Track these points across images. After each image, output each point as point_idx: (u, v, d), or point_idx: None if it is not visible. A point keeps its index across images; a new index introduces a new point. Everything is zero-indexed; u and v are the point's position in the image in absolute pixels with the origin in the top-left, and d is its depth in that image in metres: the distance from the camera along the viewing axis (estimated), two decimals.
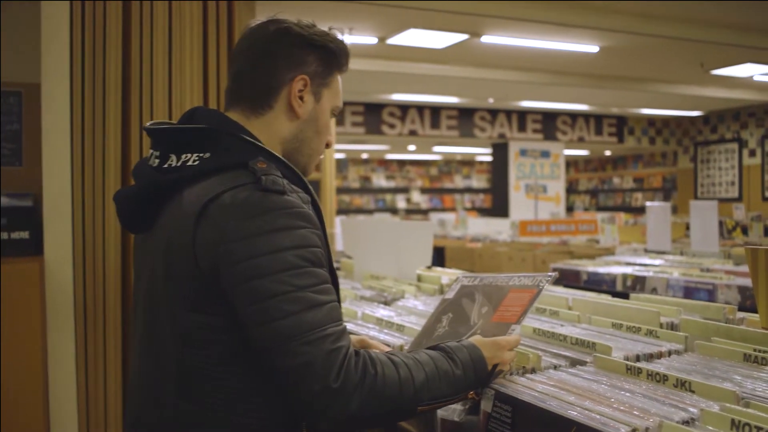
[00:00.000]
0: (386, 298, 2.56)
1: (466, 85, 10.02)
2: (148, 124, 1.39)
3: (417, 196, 18.59)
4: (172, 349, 1.28)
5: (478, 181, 19.25)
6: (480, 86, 10.08)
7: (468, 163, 19.33)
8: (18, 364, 3.68)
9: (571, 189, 18.74)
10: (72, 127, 4.07)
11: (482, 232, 9.61)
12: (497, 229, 10.08)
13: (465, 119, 12.64)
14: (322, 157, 1.54)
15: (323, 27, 1.46)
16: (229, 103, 1.44)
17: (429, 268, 3.07)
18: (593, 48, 7.49)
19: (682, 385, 1.27)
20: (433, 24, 6.34)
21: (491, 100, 11.73)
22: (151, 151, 1.39)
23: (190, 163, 1.31)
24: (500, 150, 13.38)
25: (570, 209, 16.49)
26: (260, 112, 1.40)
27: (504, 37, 6.89)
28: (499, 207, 13.48)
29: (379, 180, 18.63)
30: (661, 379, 1.31)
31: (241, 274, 1.20)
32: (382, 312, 2.27)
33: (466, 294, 1.71)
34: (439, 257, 8.50)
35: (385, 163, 18.78)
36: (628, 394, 1.25)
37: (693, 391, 1.25)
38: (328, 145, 1.50)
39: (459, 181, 19.25)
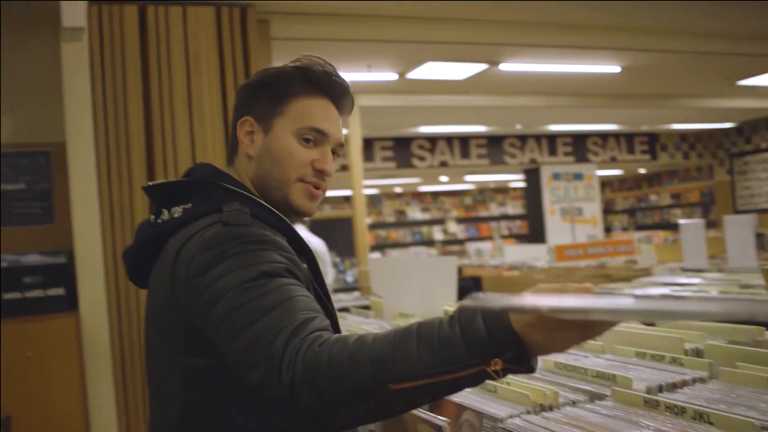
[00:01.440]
0: None
1: (491, 113, 10.01)
2: (149, 183, 1.46)
3: (453, 227, 18.51)
4: (174, 393, 1.30)
5: (514, 208, 19.12)
6: (506, 113, 10.06)
7: (502, 190, 19.24)
8: (60, 416, 3.72)
9: (608, 209, 18.51)
10: (99, 182, 4.15)
11: (520, 260, 9.51)
12: (535, 255, 9.96)
13: (494, 147, 12.60)
14: (318, 190, 1.47)
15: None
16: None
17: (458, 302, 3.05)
18: (615, 68, 7.44)
19: (700, 417, 1.22)
20: (449, 56, 6.36)
21: (519, 126, 11.69)
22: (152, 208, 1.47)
23: (176, 215, 1.38)
24: (532, 175, 13.29)
25: (608, 230, 16.28)
26: (233, 160, 1.52)
27: (522, 63, 6.88)
28: (535, 232, 13.36)
29: (414, 213, 18.60)
30: (679, 411, 1.26)
31: (206, 304, 1.21)
32: None
33: None
34: (477, 288, 8.42)
35: (419, 196, 18.77)
36: (643, 430, 1.21)
37: (711, 423, 1.20)
38: (321, 172, 1.46)
39: (494, 209, 19.13)
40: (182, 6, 4.44)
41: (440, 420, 1.35)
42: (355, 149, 7.34)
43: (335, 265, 8.80)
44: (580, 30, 6.01)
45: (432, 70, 6.68)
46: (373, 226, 17.91)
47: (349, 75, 6.67)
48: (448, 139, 12.28)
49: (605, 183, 18.63)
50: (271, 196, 1.45)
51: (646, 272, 5.77)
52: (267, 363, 1.07)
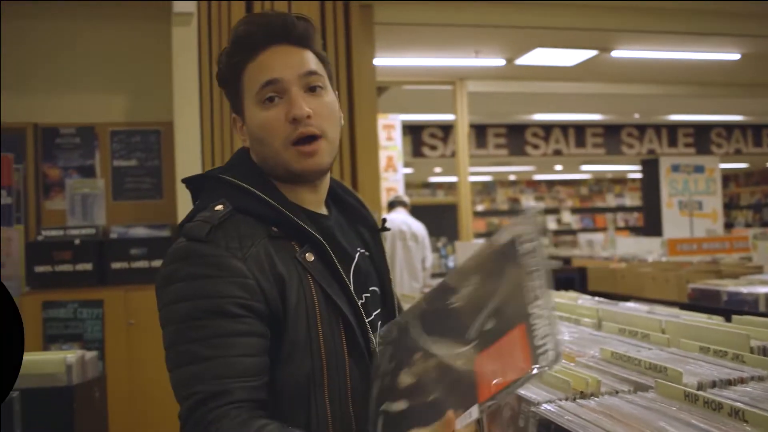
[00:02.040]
0: None
1: (607, 102, 9.76)
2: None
3: (567, 217, 18.18)
4: None
5: (632, 200, 18.57)
6: (622, 102, 9.79)
7: (620, 181, 18.74)
8: (155, 381, 3.90)
9: (731, 204, 17.71)
10: (203, 160, 4.32)
11: (631, 252, 9.26)
12: (647, 248, 9.68)
13: (611, 136, 12.28)
14: (310, 145, 1.34)
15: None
16: None
17: None
18: (734, 56, 7.09)
19: (735, 414, 1.18)
20: (559, 42, 6.24)
21: (637, 116, 11.34)
22: None
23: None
24: (650, 166, 12.86)
25: (730, 226, 15.58)
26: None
27: (635, 50, 6.67)
28: (651, 225, 12.94)
29: (528, 201, 18.37)
30: (716, 407, 1.23)
31: (160, 321, 1.27)
32: None
33: (503, 271, 1.21)
34: (582, 278, 8.28)
35: (533, 184, 18.53)
36: (672, 422, 1.19)
37: (746, 421, 1.16)
38: (296, 121, 1.32)
39: (611, 200, 18.66)
40: None
41: None
42: (462, 135, 7.32)
43: (437, 249, 8.83)
44: (695, 15, 5.77)
45: (541, 56, 6.58)
46: (485, 213, 17.80)
47: (455, 60, 6.69)
48: (563, 127, 12.05)
49: (729, 177, 17.81)
50: (278, 173, 1.38)
51: (759, 270, 5.53)
52: (181, 407, 1.20)
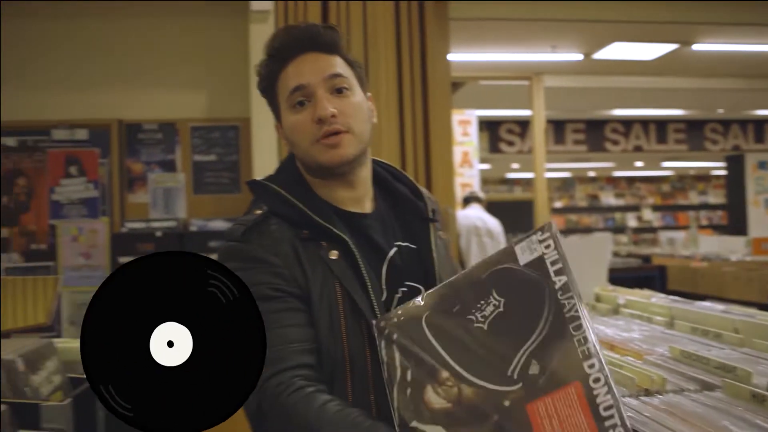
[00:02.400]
0: None
1: (689, 96, 9.48)
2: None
3: (648, 214, 17.79)
4: None
5: (716, 197, 18.05)
6: (705, 96, 9.49)
7: (703, 178, 18.23)
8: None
9: None
10: (279, 156, 4.40)
11: (714, 251, 9.02)
12: (731, 247, 9.41)
13: (694, 132, 11.93)
14: (334, 137, 1.40)
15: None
16: None
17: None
18: None
19: None
20: (638, 36, 6.11)
21: (721, 110, 11.00)
22: None
23: None
24: (735, 163, 12.46)
25: None
26: None
27: (718, 43, 6.47)
28: (735, 224, 12.54)
29: (608, 198, 18.08)
30: None
31: None
32: None
33: (537, 301, 1.17)
34: (662, 277, 8.12)
35: (613, 181, 18.20)
36: (736, 422, 1.17)
37: None
38: (321, 121, 1.40)
39: (694, 198, 18.18)
40: None
41: None
42: (539, 131, 7.24)
43: None
44: None
45: (619, 50, 6.45)
46: (563, 210, 17.58)
47: (532, 55, 6.63)
48: (644, 122, 11.78)
49: None
50: (312, 170, 1.48)
51: None
52: None
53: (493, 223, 6.74)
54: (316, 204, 1.44)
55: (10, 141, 4.66)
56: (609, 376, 1.06)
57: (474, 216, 6.66)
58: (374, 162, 1.59)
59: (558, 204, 17.49)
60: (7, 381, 1.81)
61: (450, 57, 4.90)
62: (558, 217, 17.04)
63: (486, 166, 14.12)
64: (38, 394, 1.85)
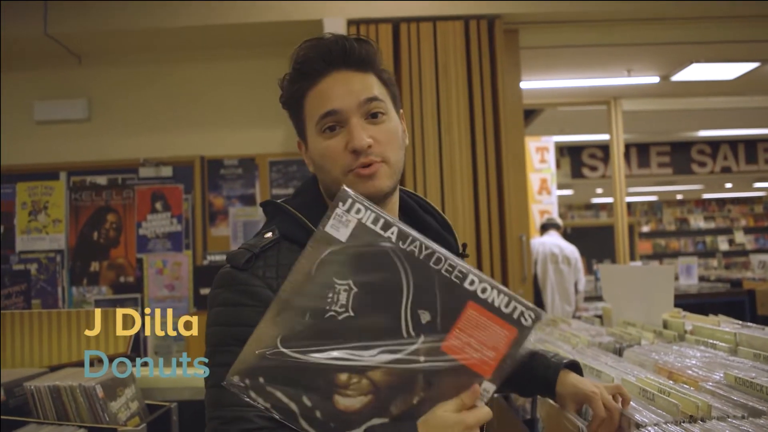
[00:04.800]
0: (620, 346, 2.51)
1: None
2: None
3: (741, 237, 17.20)
4: None
5: None
6: None
7: None
8: None
9: None
10: None
11: None
12: None
13: None
14: (368, 168, 1.30)
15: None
16: None
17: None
18: None
19: None
20: (715, 56, 6.00)
21: None
22: None
23: None
24: None
25: None
26: None
27: None
28: None
29: (698, 221, 17.57)
30: None
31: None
32: (604, 360, 2.25)
33: (384, 262, 1.11)
34: (751, 302, 7.85)
35: (702, 204, 17.70)
36: None
37: None
38: (356, 152, 1.30)
39: None
40: (433, 22, 4.68)
41: (580, 421, 1.39)
42: (618, 154, 7.17)
43: (594, 273, 8.64)
44: None
45: (697, 71, 6.35)
46: (651, 235, 17.18)
47: (607, 80, 6.59)
48: (732, 143, 11.49)
49: None
50: (328, 190, 1.37)
51: None
52: (206, 428, 1.23)
53: (570, 250, 6.68)
54: None
55: (100, 179, 4.92)
56: (491, 280, 1.08)
57: (550, 243, 6.63)
58: (402, 191, 1.48)
59: (645, 228, 17.11)
60: (88, 407, 1.94)
61: (523, 84, 4.93)
62: (645, 242, 16.66)
63: (569, 192, 13.97)
64: (116, 420, 1.98)
